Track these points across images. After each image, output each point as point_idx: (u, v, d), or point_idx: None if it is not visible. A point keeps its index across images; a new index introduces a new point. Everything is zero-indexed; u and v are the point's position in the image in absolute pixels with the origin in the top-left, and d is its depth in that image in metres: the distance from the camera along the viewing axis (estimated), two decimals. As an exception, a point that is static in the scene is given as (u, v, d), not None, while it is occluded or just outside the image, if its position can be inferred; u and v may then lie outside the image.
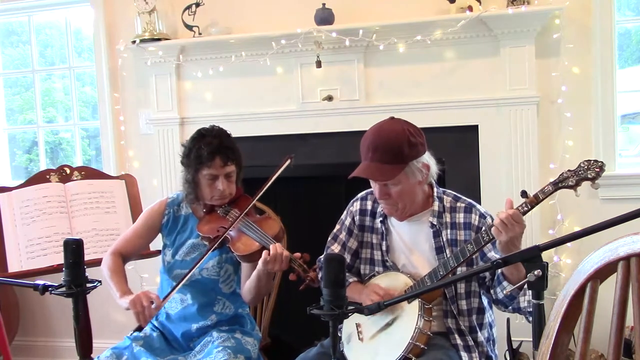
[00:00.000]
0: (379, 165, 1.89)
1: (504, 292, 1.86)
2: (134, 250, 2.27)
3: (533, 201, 1.78)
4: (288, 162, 2.13)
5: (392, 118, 1.99)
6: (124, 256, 2.23)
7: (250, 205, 2.12)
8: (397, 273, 2.03)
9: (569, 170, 1.78)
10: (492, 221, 1.94)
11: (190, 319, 2.19)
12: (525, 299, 1.85)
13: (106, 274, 2.12)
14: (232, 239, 2.07)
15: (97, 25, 3.48)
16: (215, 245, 2.05)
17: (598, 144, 2.91)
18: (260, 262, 1.97)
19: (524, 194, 1.80)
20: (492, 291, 1.94)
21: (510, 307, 1.91)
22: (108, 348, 2.09)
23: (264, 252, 1.96)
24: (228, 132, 2.18)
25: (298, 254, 1.98)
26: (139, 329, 1.98)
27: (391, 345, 1.89)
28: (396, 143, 1.89)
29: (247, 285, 2.12)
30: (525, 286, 1.79)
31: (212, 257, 2.18)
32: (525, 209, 1.78)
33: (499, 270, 1.88)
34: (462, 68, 2.96)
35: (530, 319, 1.86)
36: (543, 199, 1.79)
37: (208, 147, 2.08)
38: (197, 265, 2.07)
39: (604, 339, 1.01)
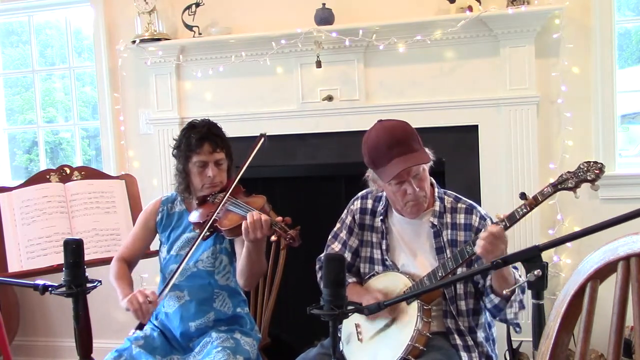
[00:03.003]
0: (413, 154, 1.91)
1: (491, 303, 1.90)
2: (136, 254, 2.32)
3: (532, 203, 1.78)
4: (262, 140, 2.18)
5: (381, 120, 2.00)
6: (127, 261, 2.29)
7: (235, 184, 2.13)
8: (396, 273, 2.03)
9: (568, 172, 1.78)
10: (492, 222, 1.96)
11: (189, 317, 2.19)
12: (512, 311, 1.88)
13: (112, 281, 2.19)
14: (219, 219, 2.08)
15: (97, 25, 3.48)
16: (205, 228, 2.06)
17: (598, 144, 2.91)
18: (243, 233, 1.95)
19: (522, 195, 1.80)
20: (482, 299, 1.96)
21: (497, 318, 1.95)
22: (112, 350, 2.10)
23: (244, 221, 1.96)
24: (218, 124, 2.25)
25: (280, 218, 1.97)
26: (140, 326, 2.01)
27: (390, 347, 1.89)
28: (411, 133, 1.95)
29: (240, 266, 2.11)
30: (513, 298, 1.82)
31: (206, 248, 2.19)
32: (525, 210, 1.78)
33: (488, 282, 1.91)
34: (462, 68, 2.96)
35: (518, 329, 1.93)
36: (542, 201, 1.79)
37: (197, 134, 2.16)
38: (190, 253, 2.08)
39: (604, 339, 1.01)
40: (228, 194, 2.10)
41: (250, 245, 2.00)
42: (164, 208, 2.29)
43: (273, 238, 1.96)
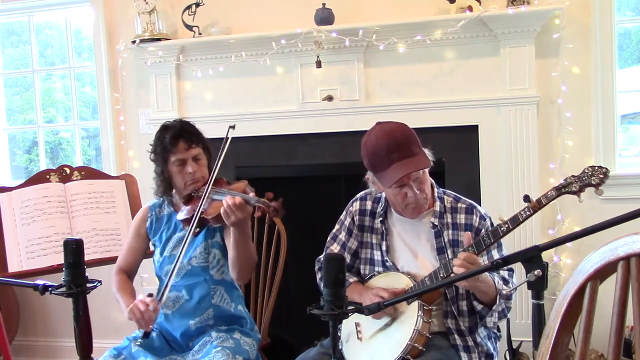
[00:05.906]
0: (413, 158, 1.90)
1: (475, 309, 1.95)
2: (133, 263, 2.34)
3: (535, 206, 1.79)
4: (231, 130, 2.15)
5: (380, 122, 2.00)
6: (127, 272, 2.31)
7: (214, 173, 2.11)
8: (397, 273, 2.03)
9: (572, 176, 1.78)
10: (491, 223, 1.98)
11: (188, 315, 2.19)
12: (491, 320, 1.96)
13: (115, 294, 2.24)
14: (205, 211, 2.09)
15: (97, 25, 3.48)
16: (194, 222, 2.06)
17: (598, 144, 2.91)
18: (224, 218, 1.96)
19: (526, 198, 1.80)
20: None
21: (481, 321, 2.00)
22: (109, 349, 2.10)
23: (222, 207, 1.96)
24: (191, 122, 2.27)
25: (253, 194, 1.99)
26: (146, 335, 2.03)
27: (390, 346, 1.89)
28: (410, 136, 1.94)
29: (230, 258, 2.11)
30: (494, 307, 1.89)
31: (198, 244, 2.20)
32: (528, 213, 1.78)
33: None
34: (462, 68, 2.96)
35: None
36: (545, 204, 1.79)
37: (170, 134, 2.17)
38: (184, 251, 2.08)
39: (604, 339, 1.01)
40: (210, 184, 2.10)
41: (235, 230, 2.01)
42: (152, 213, 2.31)
43: (257, 214, 1.96)
